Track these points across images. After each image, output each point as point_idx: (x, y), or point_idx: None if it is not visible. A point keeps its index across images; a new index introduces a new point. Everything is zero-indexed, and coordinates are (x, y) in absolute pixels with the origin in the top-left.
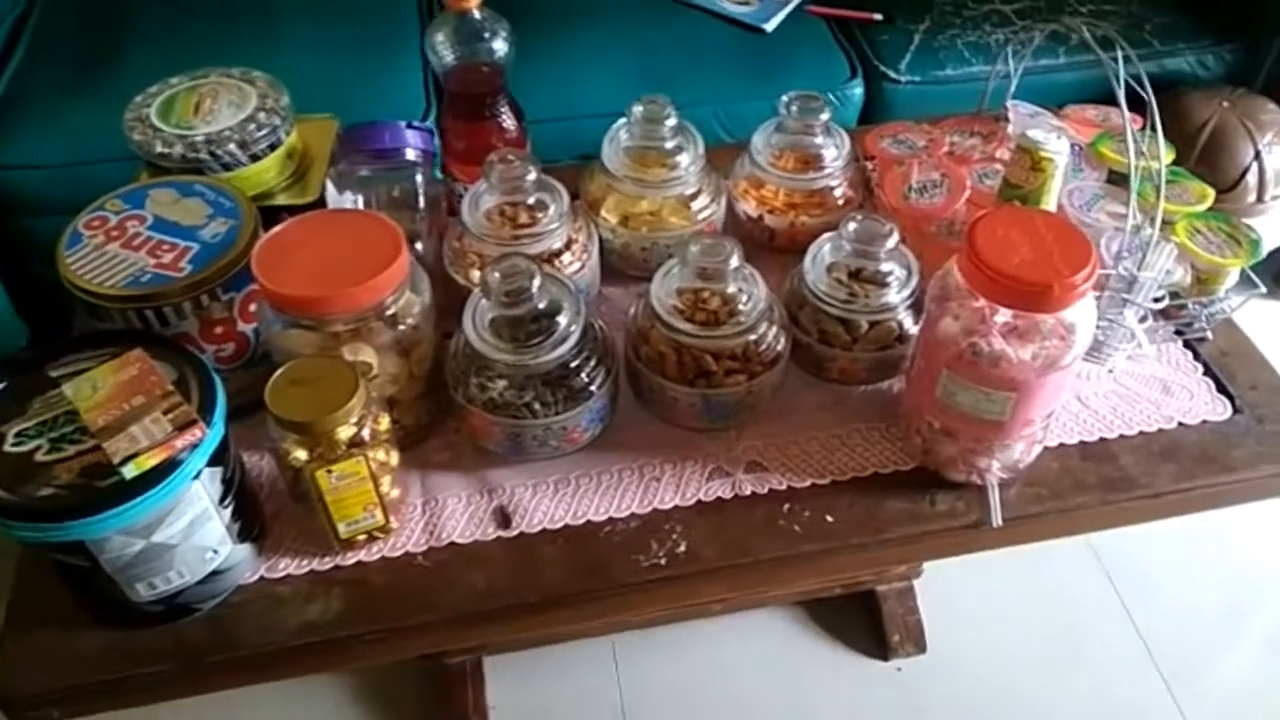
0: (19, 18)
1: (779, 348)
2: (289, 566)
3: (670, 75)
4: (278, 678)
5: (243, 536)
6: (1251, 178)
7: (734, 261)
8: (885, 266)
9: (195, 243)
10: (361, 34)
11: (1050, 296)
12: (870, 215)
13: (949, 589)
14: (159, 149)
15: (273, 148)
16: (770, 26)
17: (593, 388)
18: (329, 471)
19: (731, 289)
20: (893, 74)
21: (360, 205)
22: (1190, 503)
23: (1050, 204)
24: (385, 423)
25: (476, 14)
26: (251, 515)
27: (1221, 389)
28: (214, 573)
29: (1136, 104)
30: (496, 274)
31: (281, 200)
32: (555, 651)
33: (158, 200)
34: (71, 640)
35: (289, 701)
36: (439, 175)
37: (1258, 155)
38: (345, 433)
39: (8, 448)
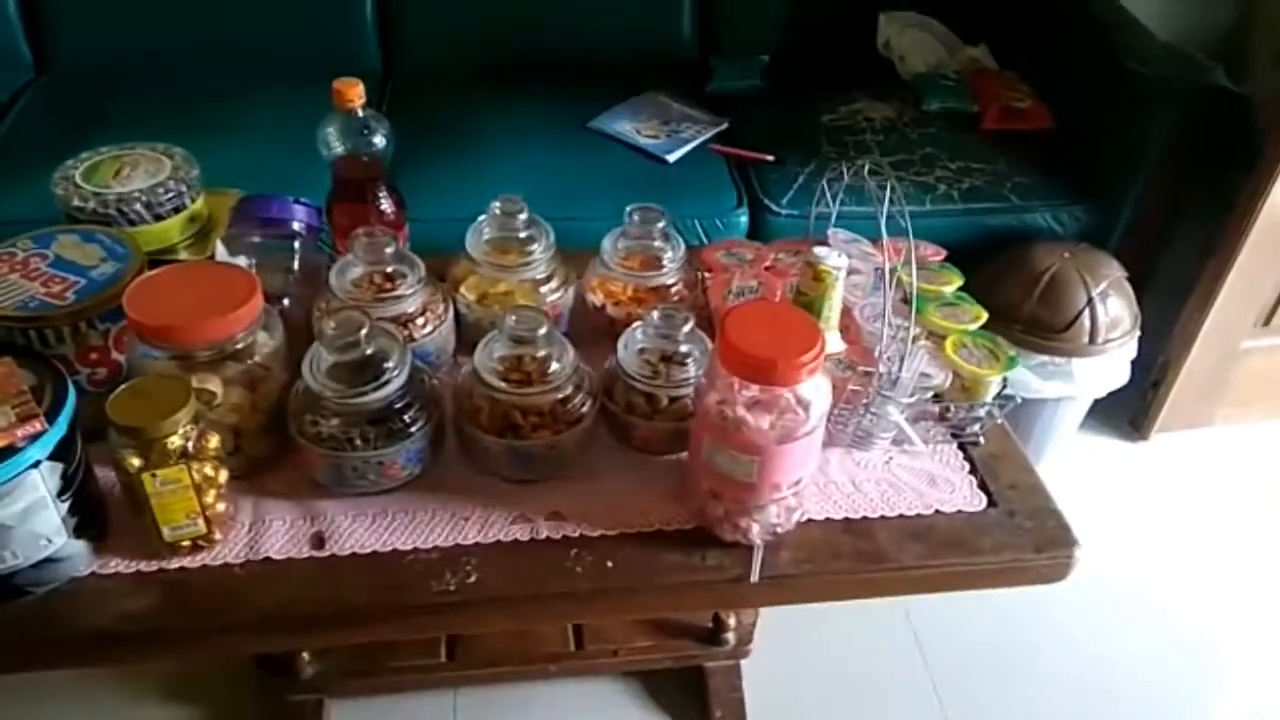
0: (15, 93)
1: (584, 409)
2: (118, 565)
3: (574, 190)
4: (92, 664)
5: (79, 533)
6: (1085, 321)
7: (543, 329)
8: (684, 348)
9: (84, 278)
10: (310, 130)
11: (776, 370)
12: (671, 306)
13: (776, 671)
14: (75, 203)
15: (177, 210)
16: (672, 158)
17: (412, 429)
18: (154, 476)
19: (542, 353)
20: (774, 206)
21: (248, 266)
22: (935, 580)
23: (832, 310)
24: (214, 442)
25: (360, 112)
26: (92, 515)
27: (983, 485)
28: (48, 560)
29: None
30: (332, 323)
31: (183, 256)
32: (398, 702)
33: (63, 244)
34: None
35: None
36: (325, 249)
37: (1090, 302)
38: (174, 442)
39: None
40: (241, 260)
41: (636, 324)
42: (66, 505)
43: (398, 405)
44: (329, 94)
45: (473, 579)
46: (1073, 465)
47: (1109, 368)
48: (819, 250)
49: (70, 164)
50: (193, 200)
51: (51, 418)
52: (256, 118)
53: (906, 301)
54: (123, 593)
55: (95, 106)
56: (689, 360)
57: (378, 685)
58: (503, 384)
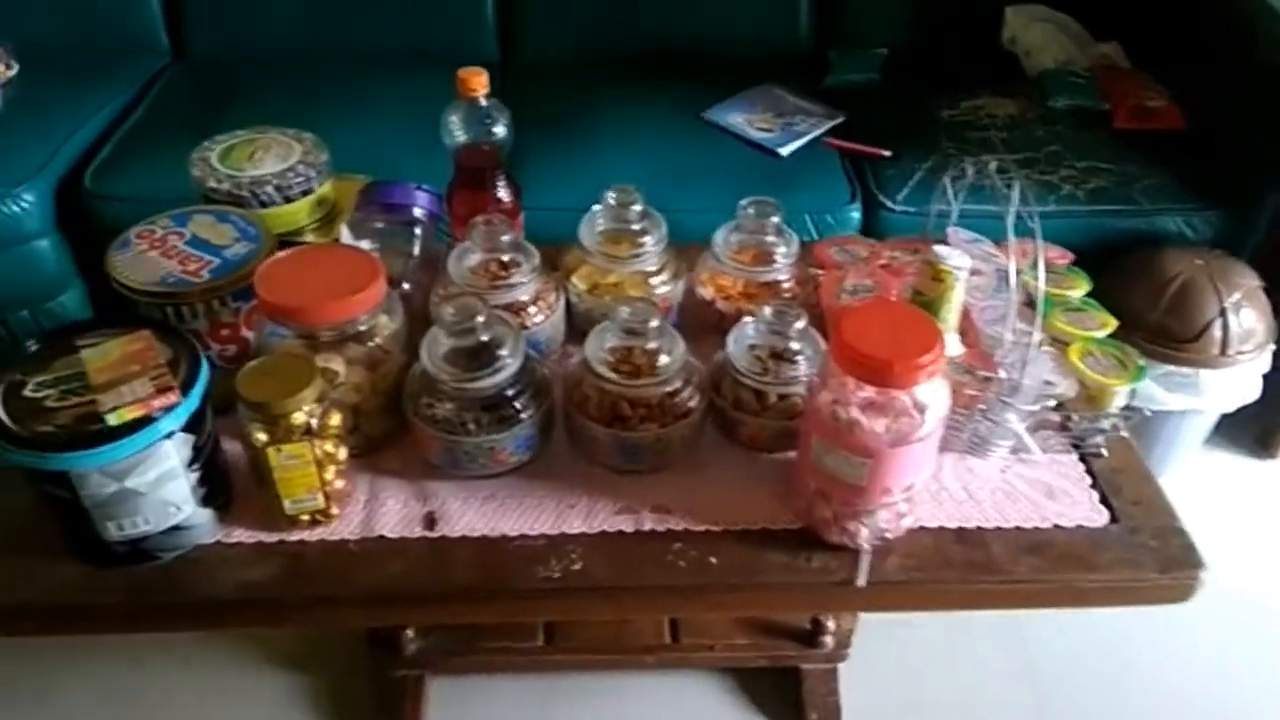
0: (152, 76)
1: (692, 404)
2: (242, 535)
3: (685, 181)
4: (213, 628)
5: (207, 502)
6: (1215, 331)
7: (654, 321)
8: (795, 345)
9: (218, 258)
10: (430, 120)
11: (893, 372)
12: (784, 303)
13: (874, 678)
14: (211, 184)
15: (306, 194)
16: (785, 151)
17: (523, 416)
18: (279, 450)
19: (653, 345)
20: (889, 202)
21: (375, 250)
22: (1049, 595)
23: (951, 312)
24: (336, 420)
25: (483, 102)
26: (218, 485)
27: (1104, 500)
28: (176, 527)
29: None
30: (450, 309)
31: (309, 239)
32: (495, 682)
33: (199, 223)
34: (53, 568)
35: (236, 701)
36: (444, 236)
37: (1222, 312)
38: (298, 419)
39: (26, 393)
40: (365, 244)
41: (747, 319)
42: (196, 475)
43: (509, 392)
44: (447, 83)
45: (576, 567)
46: (1195, 481)
47: (1239, 382)
48: (940, 250)
49: (207, 145)
50: (321, 184)
51: (185, 391)
52: (377, 105)
53: (1031, 305)
54: (244, 562)
55: (226, 91)
56: (799, 358)
57: (476, 664)
58: (612, 375)
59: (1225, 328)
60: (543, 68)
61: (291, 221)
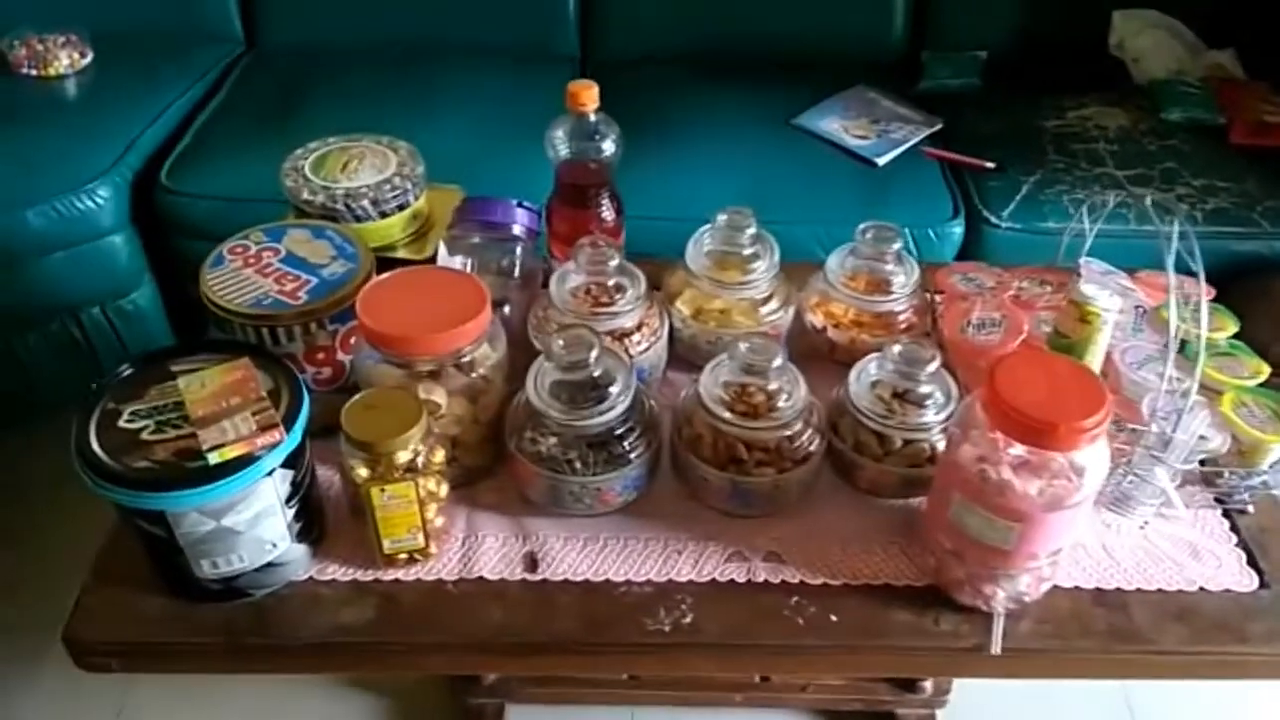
0: (227, 66)
1: (811, 448)
2: (336, 572)
3: (779, 192)
4: (307, 671)
5: (301, 537)
6: None
7: (778, 361)
8: (925, 389)
9: (315, 277)
10: (511, 118)
11: (1056, 435)
12: (916, 341)
13: None
14: (305, 196)
15: (401, 208)
16: (882, 161)
17: (632, 455)
18: (382, 490)
19: (773, 386)
20: (994, 218)
21: (468, 267)
22: (1196, 667)
23: (1096, 356)
24: (440, 456)
25: (592, 117)
26: (313, 520)
27: (1252, 562)
28: (270, 564)
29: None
30: (560, 341)
31: (402, 254)
32: (577, 714)
33: (294, 238)
34: (140, 602)
35: None
36: (542, 253)
37: None
38: (402, 457)
39: (121, 424)
40: (459, 261)
41: (872, 356)
42: (293, 511)
43: (619, 430)
44: (528, 80)
45: (688, 620)
46: None
47: None
48: (1087, 288)
49: (299, 153)
50: (416, 198)
51: (288, 424)
52: (458, 103)
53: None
54: (339, 601)
55: (302, 84)
56: (929, 402)
57: (558, 695)
58: (728, 414)
59: None
60: (624, 66)
61: (385, 236)
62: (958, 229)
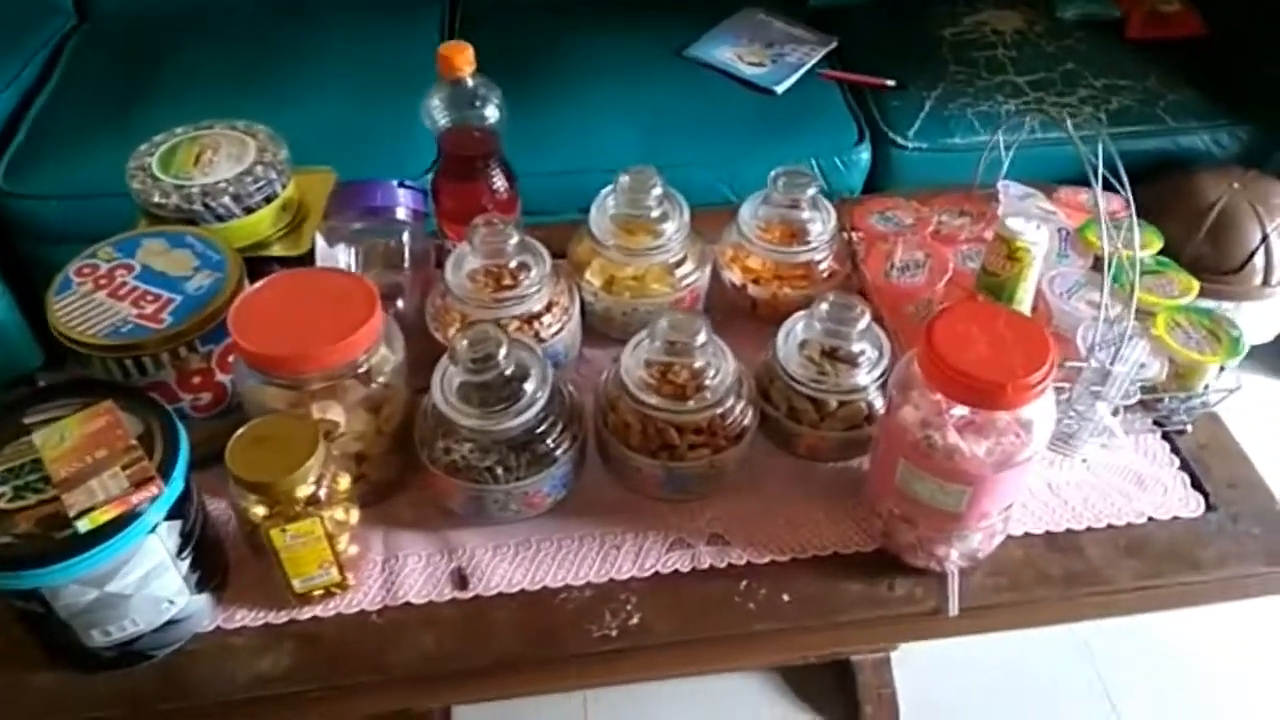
0: (58, 43)
1: (745, 422)
2: (245, 618)
3: (678, 132)
4: None
5: (201, 586)
6: (1259, 260)
7: (701, 337)
8: (857, 346)
9: (179, 294)
10: (385, 82)
11: (1003, 396)
12: (843, 295)
13: (928, 664)
14: (156, 199)
15: (268, 200)
16: (780, 89)
17: (557, 453)
18: (283, 530)
19: (699, 363)
20: (900, 140)
21: (352, 258)
22: (1154, 600)
23: (1027, 292)
24: (345, 483)
25: (470, 81)
26: (212, 565)
27: (1196, 484)
28: (170, 621)
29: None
30: (465, 341)
31: (276, 251)
32: (525, 704)
33: (149, 250)
34: (30, 679)
35: None
36: (432, 231)
37: (1265, 238)
38: (303, 492)
39: None
40: (342, 251)
41: (799, 315)
42: (187, 563)
43: (540, 429)
44: (399, 34)
45: (634, 620)
46: (1237, 413)
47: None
48: (1013, 223)
49: (144, 149)
50: (284, 186)
51: (166, 473)
52: (318, 68)
53: (1097, 269)
54: (252, 650)
55: (146, 58)
56: (862, 359)
57: (506, 690)
58: (655, 399)
59: (1269, 255)
60: (499, 2)
61: (253, 234)
62: (864, 154)
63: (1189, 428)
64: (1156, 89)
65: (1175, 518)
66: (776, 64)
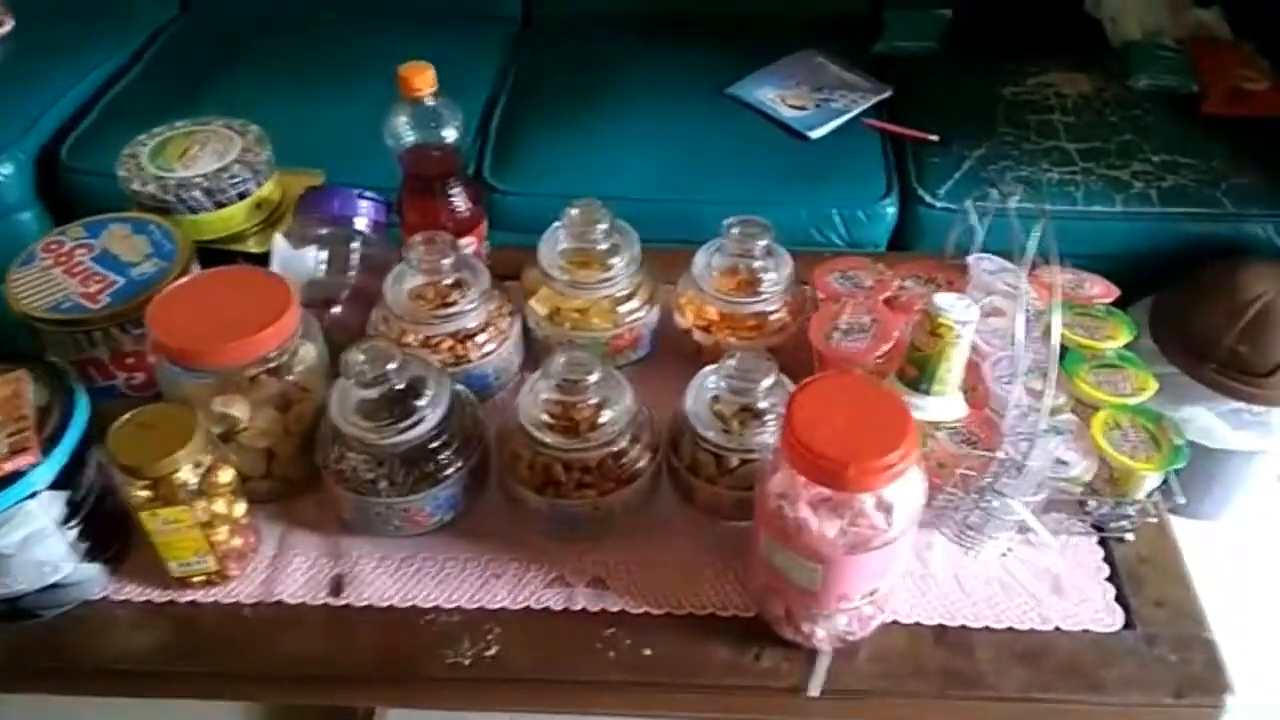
0: (154, 33)
1: (640, 465)
2: (132, 592)
3: (702, 169)
4: (98, 694)
5: (92, 556)
6: None
7: (594, 375)
8: (764, 404)
9: (123, 278)
10: (443, 85)
11: (845, 476)
12: (751, 352)
13: None
14: (135, 186)
15: (242, 196)
16: (815, 134)
17: (446, 474)
18: (154, 515)
19: (594, 400)
20: (928, 197)
21: (322, 259)
22: (1038, 717)
23: (953, 371)
24: (227, 477)
25: (430, 102)
26: (108, 537)
27: (1120, 598)
28: (57, 585)
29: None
30: (355, 355)
31: (250, 247)
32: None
33: (113, 234)
34: None
35: None
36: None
37: None
38: (180, 479)
39: None
40: (311, 252)
41: (710, 368)
42: (75, 531)
43: (432, 445)
44: (465, 43)
45: (491, 652)
46: (1263, 520)
47: None
48: (941, 299)
49: (141, 139)
50: (260, 185)
51: (53, 444)
52: (380, 71)
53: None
54: (130, 624)
55: (223, 56)
56: (769, 417)
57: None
58: (544, 434)
59: None
60: (567, 25)
61: (225, 228)
62: (890, 208)
63: (1129, 536)
64: (1221, 170)
65: (1086, 630)
66: (820, 109)
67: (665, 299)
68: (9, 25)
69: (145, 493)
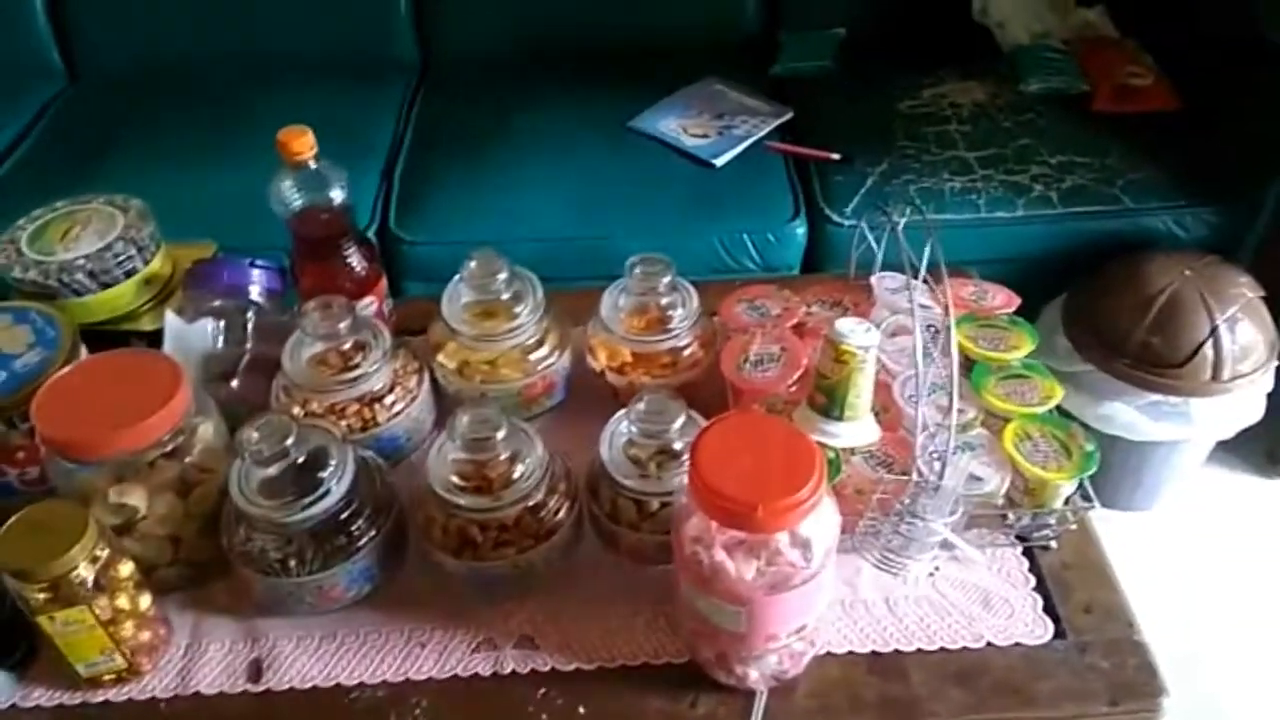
0: (46, 104)
1: (559, 516)
2: (41, 697)
3: (611, 203)
4: None
5: None
6: (1207, 353)
7: (501, 432)
8: (679, 444)
9: (5, 371)
10: (340, 139)
11: (754, 518)
12: (662, 392)
13: None
14: (15, 273)
15: (129, 274)
16: (720, 161)
17: (359, 544)
18: (53, 618)
19: (504, 455)
20: (835, 216)
21: (220, 330)
22: None
23: (861, 396)
24: (126, 570)
25: (313, 164)
26: (11, 640)
27: (1049, 608)
28: None
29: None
30: (252, 433)
31: (145, 325)
32: None
33: None
34: None
35: None
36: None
37: (1214, 331)
38: (78, 577)
39: None
40: (207, 325)
41: (621, 413)
42: None
43: (342, 517)
44: (362, 96)
45: None
46: (1195, 507)
47: (1236, 407)
48: (841, 325)
49: (20, 224)
50: (147, 261)
51: None
52: (279, 126)
53: (968, 374)
54: None
55: (114, 124)
56: (683, 458)
57: None
58: (456, 495)
59: (1218, 349)
60: (464, 67)
61: (114, 308)
62: (800, 229)
63: (1053, 544)
64: (1116, 167)
65: (1017, 644)
66: (722, 136)
67: (577, 342)
68: None
69: (43, 595)
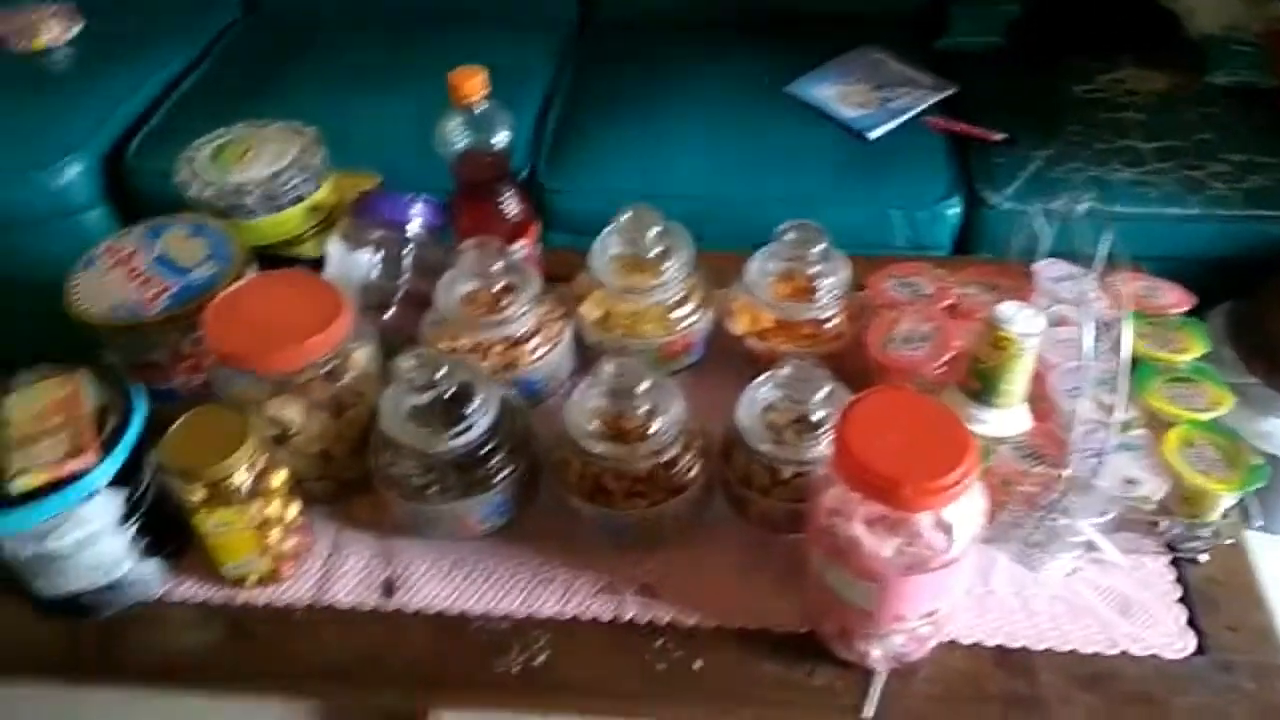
0: (219, 34)
1: (690, 474)
2: (188, 591)
3: (757, 168)
4: (153, 690)
5: (151, 552)
6: None
7: (644, 384)
8: (818, 415)
9: (181, 281)
10: (499, 88)
11: (900, 495)
12: (806, 362)
13: None
14: (191, 192)
15: (298, 200)
16: (874, 134)
17: (495, 480)
18: (208, 517)
19: (643, 409)
20: (993, 198)
21: (377, 262)
22: None
23: (1017, 384)
24: (279, 480)
25: (480, 107)
26: (166, 533)
27: (1193, 622)
28: (112, 584)
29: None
30: (407, 362)
31: (307, 250)
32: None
33: (172, 236)
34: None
35: None
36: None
37: None
38: (234, 481)
39: None
40: (366, 255)
41: (763, 378)
42: (133, 529)
43: (482, 451)
44: (519, 48)
45: (539, 660)
46: None
47: None
48: (1004, 309)
49: (200, 142)
50: (316, 189)
51: (109, 447)
52: (438, 75)
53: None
54: (184, 624)
55: (287, 56)
56: (824, 429)
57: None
58: (594, 442)
59: None
60: (624, 27)
61: (282, 232)
62: (953, 210)
63: (1203, 557)
64: None
65: (1154, 655)
66: (881, 108)
67: (719, 303)
68: (78, 26)
69: (200, 495)
